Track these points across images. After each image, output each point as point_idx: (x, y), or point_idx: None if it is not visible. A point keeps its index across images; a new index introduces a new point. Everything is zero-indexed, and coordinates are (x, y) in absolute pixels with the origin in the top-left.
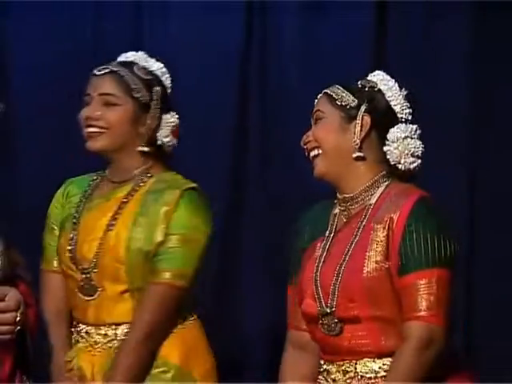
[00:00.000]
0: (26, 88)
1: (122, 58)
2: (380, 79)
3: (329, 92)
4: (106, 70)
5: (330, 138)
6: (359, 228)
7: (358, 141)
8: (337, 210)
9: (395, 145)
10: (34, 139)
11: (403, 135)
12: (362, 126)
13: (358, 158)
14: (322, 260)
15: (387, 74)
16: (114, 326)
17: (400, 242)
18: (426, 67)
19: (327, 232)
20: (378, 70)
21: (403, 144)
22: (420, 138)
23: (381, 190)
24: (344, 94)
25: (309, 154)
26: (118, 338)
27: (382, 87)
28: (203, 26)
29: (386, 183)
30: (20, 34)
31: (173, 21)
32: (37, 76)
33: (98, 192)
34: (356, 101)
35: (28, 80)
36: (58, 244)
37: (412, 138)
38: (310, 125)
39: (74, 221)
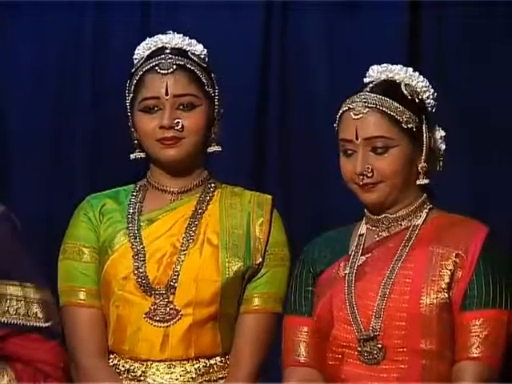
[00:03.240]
0: (25, 88)
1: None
2: (422, 85)
3: (389, 112)
4: (174, 67)
5: (402, 170)
6: (404, 248)
7: (425, 167)
8: (364, 231)
9: (441, 163)
10: (32, 140)
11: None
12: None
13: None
14: (353, 280)
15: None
16: (193, 362)
17: (468, 279)
18: (460, 68)
19: (352, 252)
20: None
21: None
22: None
23: (425, 211)
24: (407, 113)
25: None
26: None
27: (425, 95)
28: (220, 25)
29: (430, 206)
30: (19, 34)
31: (184, 20)
32: (35, 77)
33: (150, 204)
34: (417, 119)
35: (26, 81)
36: (108, 268)
37: None
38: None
39: (133, 239)
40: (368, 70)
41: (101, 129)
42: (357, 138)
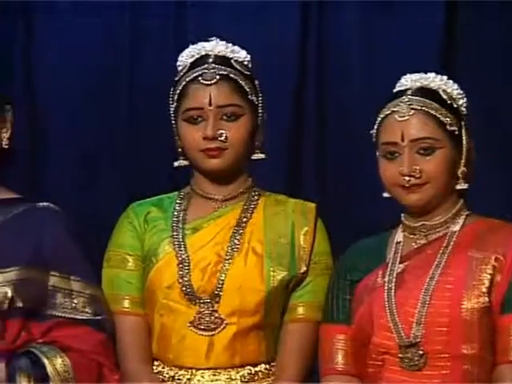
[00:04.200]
0: (60, 88)
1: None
2: (457, 92)
3: (434, 113)
4: (218, 77)
5: (446, 172)
6: (442, 255)
7: (465, 171)
8: (401, 238)
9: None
10: (66, 141)
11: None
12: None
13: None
14: (393, 288)
15: (456, 77)
16: (238, 369)
17: (507, 282)
18: (497, 69)
19: (390, 260)
20: (446, 72)
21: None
22: None
23: (463, 217)
24: (450, 116)
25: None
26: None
27: (460, 102)
28: (256, 25)
29: (467, 212)
30: (57, 34)
31: (220, 20)
32: (72, 77)
33: (194, 212)
34: (458, 123)
35: (62, 81)
36: (153, 276)
37: None
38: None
39: (178, 248)
40: (403, 70)
41: (137, 130)
42: (402, 140)
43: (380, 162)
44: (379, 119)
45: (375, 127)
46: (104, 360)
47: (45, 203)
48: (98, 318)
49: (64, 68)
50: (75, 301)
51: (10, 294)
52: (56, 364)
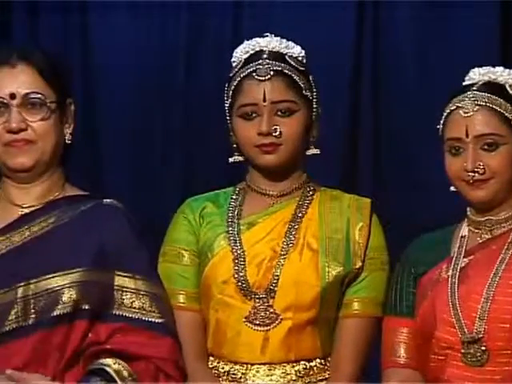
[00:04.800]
0: (113, 90)
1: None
2: None
3: (499, 110)
4: (272, 73)
5: (511, 168)
6: (507, 251)
7: None
8: (466, 233)
9: None
10: (124, 140)
11: None
12: None
13: None
14: (456, 283)
15: None
16: (293, 364)
17: None
18: None
19: (454, 254)
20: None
21: None
22: None
23: None
24: None
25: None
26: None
27: None
28: (312, 24)
29: None
30: (108, 34)
31: (277, 19)
32: (129, 77)
33: (249, 207)
34: None
35: (114, 82)
36: (208, 271)
37: None
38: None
39: (233, 243)
40: (457, 68)
41: (192, 127)
42: (467, 136)
43: (446, 157)
44: (445, 114)
45: (441, 122)
46: (171, 368)
47: (109, 200)
48: (165, 320)
49: (120, 67)
50: (142, 300)
51: (75, 297)
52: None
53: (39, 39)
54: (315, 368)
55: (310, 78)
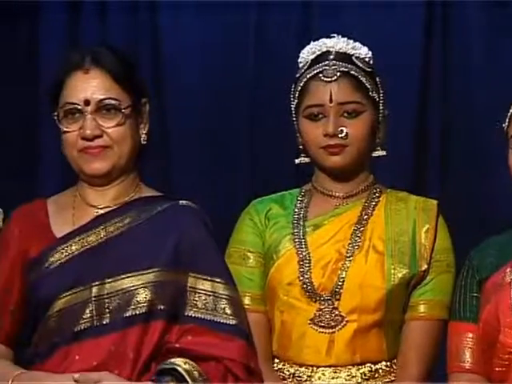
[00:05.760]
0: (187, 87)
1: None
2: None
3: None
4: (338, 74)
5: None
6: None
7: None
8: None
9: None
10: (192, 140)
11: None
12: None
13: None
14: None
15: None
16: (359, 366)
17: None
18: None
19: None
20: None
21: None
22: None
23: None
24: None
25: None
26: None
27: None
28: (381, 24)
29: None
30: (177, 33)
31: (345, 19)
32: (198, 76)
33: (315, 209)
34: None
35: (183, 81)
36: (274, 273)
37: None
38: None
39: (299, 245)
40: None
41: (259, 127)
42: None
43: (510, 156)
44: (510, 113)
45: (506, 121)
46: (241, 370)
47: (185, 201)
48: (238, 322)
49: (189, 66)
50: (216, 302)
51: (149, 297)
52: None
53: (108, 39)
54: (381, 371)
55: (377, 79)
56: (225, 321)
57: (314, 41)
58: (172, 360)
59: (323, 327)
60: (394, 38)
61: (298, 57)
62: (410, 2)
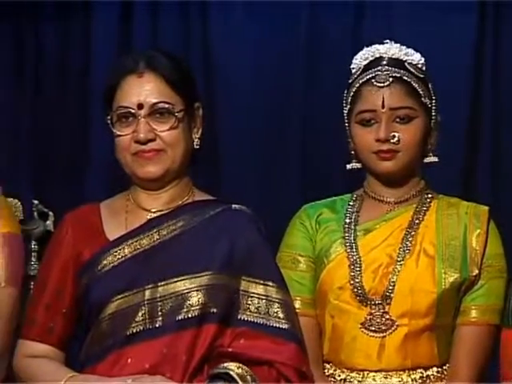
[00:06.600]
0: (234, 89)
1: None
2: None
3: None
4: (391, 79)
5: None
6: None
7: None
8: None
9: None
10: (242, 141)
11: None
12: None
13: None
14: None
15: None
16: (410, 372)
17: None
18: None
19: None
20: None
21: None
22: None
23: None
24: None
25: None
26: None
27: None
28: (432, 24)
29: None
30: (227, 34)
31: (397, 21)
32: (242, 80)
33: (366, 214)
34: None
35: (234, 83)
36: (324, 277)
37: None
38: None
39: (350, 249)
40: None
41: (311, 131)
42: None
43: None
44: None
45: None
46: (292, 374)
47: (238, 205)
48: (290, 326)
49: (240, 68)
50: (268, 306)
51: (202, 300)
52: None
53: (159, 39)
54: (432, 376)
55: (430, 85)
56: (277, 325)
57: (366, 45)
58: (225, 364)
59: (374, 331)
60: (446, 38)
61: (351, 57)
62: (462, 2)
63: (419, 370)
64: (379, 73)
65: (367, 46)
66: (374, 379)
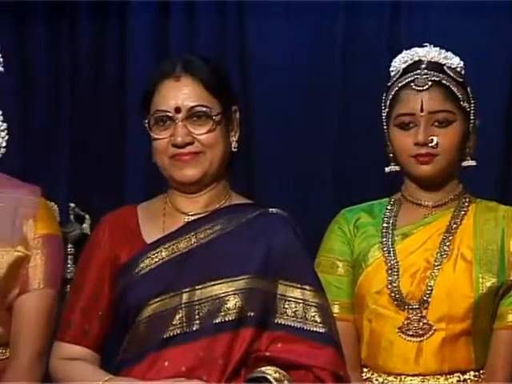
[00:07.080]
0: (275, 88)
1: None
2: None
3: None
4: (430, 83)
5: None
6: None
7: None
8: None
9: None
10: (278, 141)
11: None
12: None
13: None
14: None
15: None
16: (447, 376)
17: None
18: None
19: None
20: None
21: None
22: None
23: None
24: None
25: None
26: None
27: None
28: (469, 24)
29: None
30: (264, 35)
31: (434, 20)
32: (279, 80)
33: (404, 218)
34: None
35: (271, 84)
36: (362, 282)
37: None
38: None
39: (387, 253)
40: None
41: (348, 133)
42: None
43: None
44: None
45: None
46: (329, 378)
47: (275, 209)
48: (327, 330)
49: (276, 69)
50: (307, 310)
51: (240, 304)
52: None
53: (196, 40)
54: (469, 381)
55: (468, 89)
56: (315, 329)
57: (405, 49)
58: (263, 369)
59: (411, 336)
60: (482, 38)
61: (387, 57)
62: (499, 2)
63: (456, 374)
64: (418, 76)
65: (406, 49)
66: (411, 383)
